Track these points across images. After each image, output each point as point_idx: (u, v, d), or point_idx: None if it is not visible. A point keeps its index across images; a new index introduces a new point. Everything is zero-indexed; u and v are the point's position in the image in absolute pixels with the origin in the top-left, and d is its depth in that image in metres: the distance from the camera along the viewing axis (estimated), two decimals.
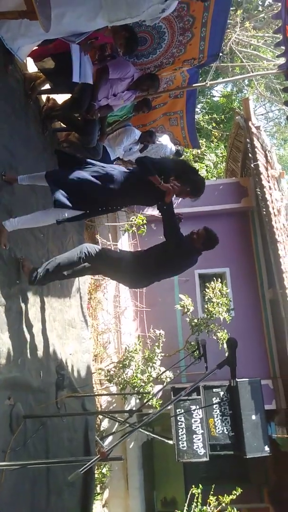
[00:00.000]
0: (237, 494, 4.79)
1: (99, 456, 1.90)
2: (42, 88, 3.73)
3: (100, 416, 5.48)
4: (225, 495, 4.78)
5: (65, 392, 3.69)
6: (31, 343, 3.19)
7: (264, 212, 5.65)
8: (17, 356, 2.89)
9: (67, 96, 3.93)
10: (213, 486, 4.86)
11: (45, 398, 3.29)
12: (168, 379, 4.90)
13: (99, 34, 3.60)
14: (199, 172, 8.10)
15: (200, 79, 5.68)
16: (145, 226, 5.56)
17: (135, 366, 5.02)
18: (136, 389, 4.84)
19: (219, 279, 5.53)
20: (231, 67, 10.30)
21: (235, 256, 6.42)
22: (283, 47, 4.29)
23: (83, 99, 3.74)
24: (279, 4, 3.87)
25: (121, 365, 5.12)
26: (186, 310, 5.24)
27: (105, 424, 5.68)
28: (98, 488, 5.43)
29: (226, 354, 2.23)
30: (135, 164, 3.24)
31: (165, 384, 4.89)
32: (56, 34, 2.87)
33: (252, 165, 5.97)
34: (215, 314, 5.15)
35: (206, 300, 5.36)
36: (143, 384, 4.83)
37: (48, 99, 3.99)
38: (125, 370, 5.06)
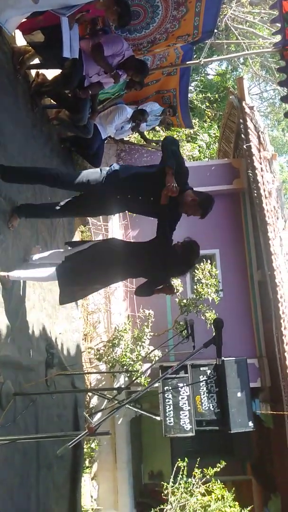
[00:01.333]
0: (221, 467, 4.99)
1: (87, 431, 1.96)
2: (31, 63, 3.62)
3: (90, 394, 5.59)
4: (210, 468, 4.98)
5: (55, 370, 3.75)
6: (21, 322, 3.21)
7: (255, 194, 5.65)
8: (7, 335, 2.91)
9: (57, 72, 3.83)
10: (198, 459, 5.04)
11: (35, 376, 3.34)
12: (157, 358, 4.99)
13: (91, 6, 3.48)
14: (192, 153, 8.02)
15: (194, 56, 5.58)
16: None
17: (125, 345, 5.10)
18: (125, 367, 4.93)
19: (209, 261, 5.57)
20: (226, 45, 10.08)
21: (225, 237, 6.45)
22: (278, 24, 4.22)
23: (74, 75, 3.65)
24: None
25: (110, 344, 5.20)
26: (175, 290, 5.30)
27: (94, 401, 5.79)
28: (87, 462, 5.60)
29: (214, 334, 2.28)
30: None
31: (153, 362, 4.98)
32: (46, 6, 2.77)
33: (244, 146, 5.93)
34: (204, 295, 5.22)
35: (195, 281, 5.42)
36: (132, 362, 4.92)
37: (37, 74, 3.89)
38: (115, 349, 5.14)
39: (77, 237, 5.75)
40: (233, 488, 5.40)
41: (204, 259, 5.59)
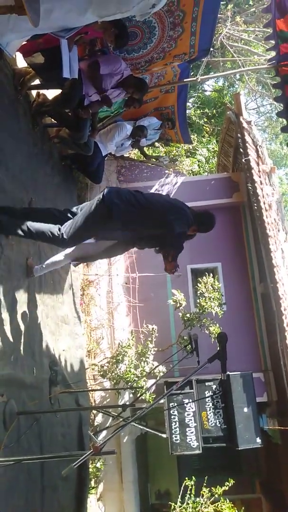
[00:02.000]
0: (230, 485, 4.87)
1: (92, 450, 1.93)
2: (32, 84, 3.70)
3: (94, 411, 5.51)
4: (218, 486, 4.86)
5: (59, 388, 3.71)
6: (24, 340, 3.19)
7: (255, 207, 5.68)
8: (10, 353, 2.89)
9: (57, 92, 3.91)
10: (206, 478, 4.93)
11: (39, 394, 3.31)
12: (161, 374, 4.94)
13: (89, 28, 3.57)
14: (192, 168, 8.08)
15: (191, 73, 5.69)
16: None
17: (129, 361, 5.05)
18: (129, 383, 4.88)
19: (211, 274, 5.56)
20: (222, 62, 10.28)
21: (227, 251, 6.46)
22: (273, 41, 4.31)
23: (74, 95, 3.72)
24: None
25: (114, 360, 5.15)
26: (178, 305, 5.27)
27: (99, 419, 5.71)
28: (92, 482, 5.47)
29: (218, 348, 2.26)
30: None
31: (158, 378, 4.92)
32: (45, 30, 2.84)
33: (243, 160, 5.99)
34: (207, 309, 5.19)
35: (198, 294, 5.40)
36: (136, 378, 4.86)
37: (38, 94, 3.97)
38: (119, 365, 5.09)
39: None
40: (243, 507, 5.26)
41: (207, 273, 5.58)
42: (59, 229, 2.94)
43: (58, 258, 3.48)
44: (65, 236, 2.92)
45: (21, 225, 2.89)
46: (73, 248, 3.28)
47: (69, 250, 3.37)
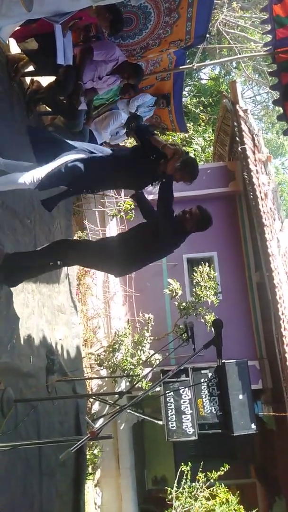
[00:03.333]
0: (225, 470, 4.97)
1: (89, 435, 1.95)
2: (26, 70, 3.64)
3: (91, 399, 5.56)
4: (213, 471, 4.95)
5: (56, 377, 3.73)
6: (21, 329, 3.20)
7: (251, 196, 5.68)
8: (7, 342, 2.90)
9: (51, 79, 3.86)
10: (201, 463, 5.02)
11: (36, 382, 3.33)
12: (157, 362, 4.98)
13: (83, 13, 3.51)
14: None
15: (187, 61, 5.62)
16: (133, 211, 5.56)
17: (125, 349, 5.09)
18: (126, 372, 4.92)
19: (207, 263, 5.58)
20: (218, 49, 10.16)
21: (222, 240, 6.47)
22: (269, 26, 4.27)
23: (68, 82, 3.67)
24: None
25: (111, 349, 5.19)
26: (174, 294, 5.30)
27: (95, 407, 5.77)
28: (90, 469, 5.55)
29: (213, 335, 2.27)
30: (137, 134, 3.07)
31: (154, 366, 4.97)
32: (39, 14, 2.79)
33: (239, 149, 5.97)
34: (203, 298, 5.22)
35: (194, 284, 5.42)
36: (132, 367, 4.90)
37: (32, 81, 3.91)
38: (115, 354, 5.13)
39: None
40: (238, 492, 5.36)
41: (202, 262, 5.60)
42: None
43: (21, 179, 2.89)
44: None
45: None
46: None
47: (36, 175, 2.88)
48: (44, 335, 3.72)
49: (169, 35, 4.37)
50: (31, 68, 3.66)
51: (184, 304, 5.31)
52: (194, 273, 5.40)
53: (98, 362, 5.22)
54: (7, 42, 3.41)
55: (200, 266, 5.41)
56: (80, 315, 5.59)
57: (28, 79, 3.90)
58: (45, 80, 3.96)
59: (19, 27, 3.23)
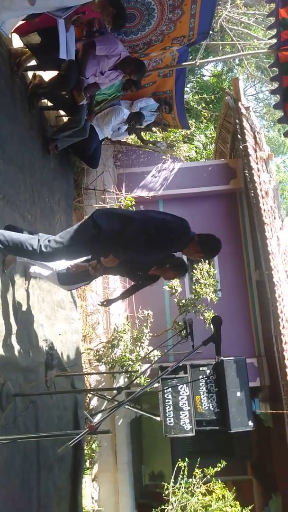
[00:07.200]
0: (222, 466, 5.00)
1: (88, 429, 1.96)
2: (28, 65, 3.63)
3: (89, 395, 5.59)
4: (210, 467, 4.98)
5: (55, 372, 3.75)
6: (20, 323, 3.21)
7: (252, 194, 5.67)
8: (6, 336, 2.91)
9: (54, 73, 3.85)
10: (198, 459, 5.05)
11: (35, 377, 3.34)
12: (156, 358, 5.00)
13: (87, 8, 3.50)
14: (189, 154, 8.02)
15: (190, 57, 5.61)
16: (133, 207, 5.55)
17: (124, 345, 5.11)
18: (124, 368, 4.93)
19: (207, 261, 5.58)
20: (221, 46, 10.11)
21: (222, 237, 6.30)
22: (274, 30, 4.25)
23: (71, 77, 3.66)
24: None
25: (110, 345, 5.20)
26: (174, 291, 5.31)
27: (94, 402, 5.79)
28: (87, 463, 5.59)
29: (212, 332, 2.28)
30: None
31: (152, 362, 4.98)
32: (42, 9, 2.79)
33: (241, 147, 5.96)
34: (203, 295, 5.23)
35: (194, 281, 5.43)
36: (131, 363, 4.92)
37: (34, 76, 3.90)
38: (114, 349, 5.14)
39: None
40: (234, 488, 5.40)
41: (202, 259, 5.60)
42: (38, 241, 2.69)
43: (44, 272, 3.31)
44: (43, 249, 2.66)
45: None
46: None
47: (57, 266, 3.14)
48: (44, 330, 3.74)
49: (173, 31, 4.36)
50: (33, 62, 3.65)
51: (183, 301, 5.32)
52: (194, 270, 5.41)
53: (97, 357, 5.24)
54: (10, 36, 3.39)
55: (200, 263, 5.41)
56: (79, 311, 5.60)
57: (30, 74, 3.89)
58: (48, 75, 3.95)
59: (22, 21, 3.22)
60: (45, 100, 4.24)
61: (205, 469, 5.00)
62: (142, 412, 5.67)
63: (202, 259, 2.83)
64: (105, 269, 3.02)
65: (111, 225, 2.62)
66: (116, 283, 6.24)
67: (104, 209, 2.85)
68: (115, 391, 3.99)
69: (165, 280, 2.98)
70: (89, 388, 5.62)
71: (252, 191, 5.68)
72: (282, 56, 4.40)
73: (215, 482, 5.08)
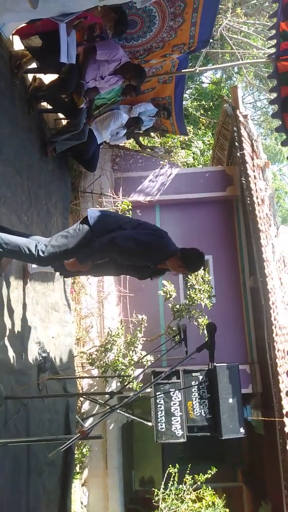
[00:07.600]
0: (212, 473, 4.98)
1: (79, 434, 1.96)
2: (29, 67, 3.65)
3: (81, 399, 5.56)
4: (201, 474, 4.97)
5: (47, 375, 3.73)
6: (13, 325, 3.20)
7: (248, 201, 5.71)
8: None
9: (54, 77, 3.86)
10: (189, 465, 5.03)
11: (27, 380, 3.32)
12: (149, 363, 4.99)
13: (88, 14, 3.53)
14: (186, 160, 8.05)
15: (190, 64, 5.66)
16: (130, 211, 5.57)
17: (117, 350, 5.09)
18: (117, 372, 4.92)
19: (202, 266, 5.59)
20: (221, 54, 10.21)
21: (218, 243, 6.50)
22: (274, 40, 4.31)
23: (71, 80, 3.68)
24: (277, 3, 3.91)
25: (103, 348, 5.18)
26: (168, 296, 5.31)
27: (86, 406, 5.76)
28: (77, 468, 5.55)
29: (206, 339, 2.29)
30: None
31: (145, 367, 4.98)
32: (44, 14, 2.80)
33: (238, 154, 6.00)
34: (197, 301, 5.24)
35: (189, 286, 5.44)
36: (124, 367, 4.91)
37: (34, 78, 3.91)
38: (107, 353, 5.13)
39: None
40: (224, 495, 5.39)
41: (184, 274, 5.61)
42: (36, 245, 2.72)
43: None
44: (41, 254, 2.70)
45: None
46: None
47: None
48: (37, 332, 3.72)
49: (173, 38, 4.40)
50: (34, 65, 3.66)
51: (177, 306, 5.32)
52: (188, 275, 5.41)
53: (90, 361, 5.22)
54: (11, 38, 3.41)
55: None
56: (73, 314, 5.58)
57: (30, 76, 3.90)
58: (48, 78, 3.96)
59: (24, 24, 3.24)
60: (45, 103, 4.25)
61: (195, 475, 4.98)
62: (133, 417, 5.65)
63: (184, 274, 2.95)
64: (91, 269, 3.00)
65: (103, 229, 2.72)
66: (110, 287, 6.23)
67: (97, 211, 2.88)
68: (107, 396, 3.98)
69: (173, 271, 2.99)
70: (81, 392, 5.60)
71: (248, 198, 5.72)
72: (281, 66, 4.46)
73: (205, 489, 5.06)
